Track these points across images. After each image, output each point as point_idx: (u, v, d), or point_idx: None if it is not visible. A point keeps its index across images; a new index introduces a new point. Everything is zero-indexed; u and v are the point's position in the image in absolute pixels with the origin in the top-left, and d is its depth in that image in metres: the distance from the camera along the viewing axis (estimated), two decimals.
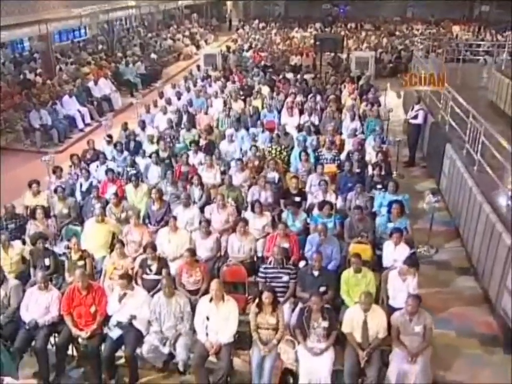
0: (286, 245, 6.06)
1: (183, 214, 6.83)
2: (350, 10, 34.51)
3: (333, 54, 17.98)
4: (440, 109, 9.99)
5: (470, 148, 7.73)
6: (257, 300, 5.01)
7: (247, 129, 10.21)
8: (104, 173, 8.02)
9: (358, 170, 8.13)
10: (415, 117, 10.56)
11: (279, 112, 11.25)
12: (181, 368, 5.15)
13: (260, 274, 5.67)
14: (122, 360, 5.24)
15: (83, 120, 13.23)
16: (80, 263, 5.81)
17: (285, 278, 5.57)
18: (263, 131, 9.96)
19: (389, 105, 12.10)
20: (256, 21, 32.28)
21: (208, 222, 6.38)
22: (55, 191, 7.34)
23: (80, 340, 5.14)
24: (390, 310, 5.13)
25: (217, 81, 13.96)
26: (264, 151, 9.08)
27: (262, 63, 17.94)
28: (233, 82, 14.16)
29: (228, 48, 21.12)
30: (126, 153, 9.05)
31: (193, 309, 5.20)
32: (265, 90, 12.83)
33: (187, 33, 27.52)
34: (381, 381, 4.73)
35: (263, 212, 6.77)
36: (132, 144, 9.52)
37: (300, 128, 10.35)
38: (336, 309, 5.29)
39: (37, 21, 13.44)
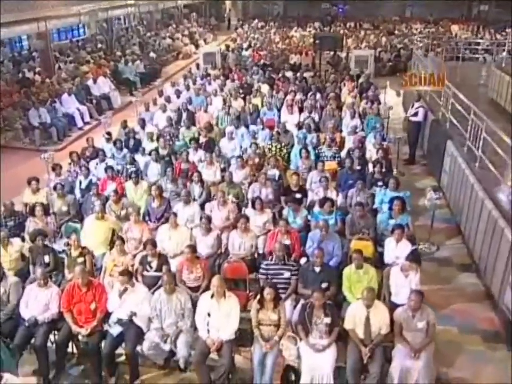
0: (287, 242, 6.03)
1: (183, 211, 6.79)
2: (349, 10, 34.49)
3: (332, 53, 17.98)
4: (440, 106, 9.97)
5: (471, 145, 7.70)
6: (258, 296, 4.97)
7: (247, 127, 10.18)
8: (103, 170, 7.98)
9: (358, 168, 8.11)
10: (415, 114, 10.54)
11: (279, 110, 11.23)
12: (182, 366, 5.11)
13: (261, 270, 5.64)
14: (122, 358, 5.21)
15: (82, 118, 13.20)
16: (80, 260, 5.77)
17: (287, 274, 5.53)
18: (263, 129, 9.94)
19: (389, 104, 12.05)
20: (256, 21, 32.25)
21: (209, 218, 6.33)
22: (55, 188, 7.31)
23: (80, 337, 5.10)
24: (392, 306, 5.10)
25: (216, 80, 13.93)
26: (264, 149, 9.04)
27: (261, 61, 17.91)
28: (233, 80, 14.14)
29: (227, 47, 21.08)
30: (125, 150, 9.02)
31: (194, 305, 5.16)
32: (265, 88, 12.80)
33: (186, 32, 27.48)
34: (383, 377, 4.70)
35: (263, 209, 6.73)
36: (132, 141, 9.48)
37: (299, 126, 10.32)
38: (337, 306, 5.25)
39: (35, 19, 13.39)
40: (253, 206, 6.77)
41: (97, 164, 8.38)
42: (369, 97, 11.84)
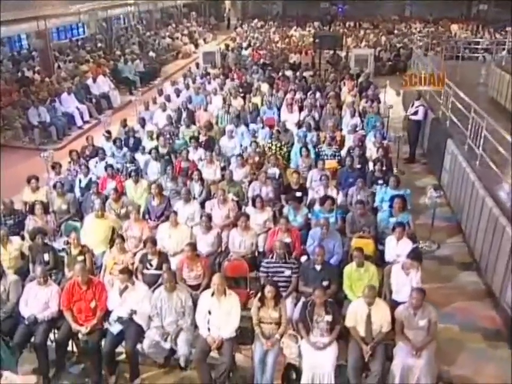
0: (288, 240, 6.02)
1: (183, 209, 6.77)
2: (348, 9, 34.42)
3: (332, 52, 17.96)
4: (440, 105, 9.96)
5: (472, 143, 7.69)
6: (259, 294, 4.95)
7: (247, 126, 10.16)
8: (103, 169, 7.96)
9: (358, 166, 8.11)
10: (415, 113, 10.53)
11: (279, 109, 11.21)
12: (182, 364, 5.10)
13: (261, 269, 5.62)
14: (123, 356, 5.19)
15: (82, 117, 13.17)
16: (80, 258, 5.74)
17: (287, 272, 5.52)
18: (263, 127, 9.93)
19: (389, 103, 12.04)
20: (256, 20, 32.24)
21: (209, 216, 6.31)
22: (54, 186, 7.28)
23: (80, 336, 5.09)
24: (393, 304, 5.07)
25: (216, 79, 13.91)
26: (264, 147, 9.03)
27: (261, 61, 17.88)
28: (232, 79, 14.13)
29: (227, 46, 21.04)
30: (125, 149, 8.99)
31: (194, 304, 5.14)
32: (265, 87, 12.80)
33: (185, 31, 27.45)
34: (385, 375, 4.68)
35: (264, 207, 6.72)
36: (131, 140, 9.46)
37: (299, 125, 10.31)
38: (338, 304, 5.22)
39: (35, 17, 13.36)
40: (253, 204, 6.76)
41: (97, 163, 8.36)
42: (369, 96, 11.83)
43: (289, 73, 14.89)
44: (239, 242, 6.15)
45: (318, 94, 12.03)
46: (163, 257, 5.75)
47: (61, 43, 21.13)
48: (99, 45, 21.49)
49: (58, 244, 6.40)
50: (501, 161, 6.78)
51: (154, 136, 9.47)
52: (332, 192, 7.21)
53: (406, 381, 4.63)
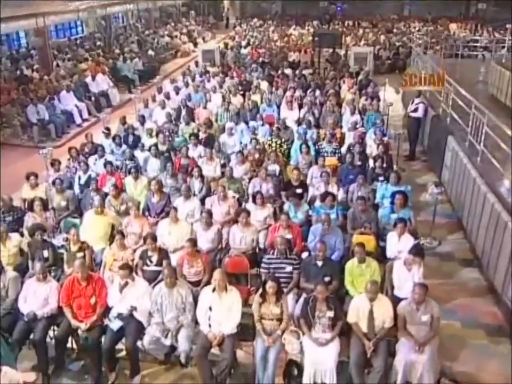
0: (289, 236, 5.98)
1: (183, 206, 6.73)
2: (347, 9, 34.41)
3: (331, 51, 17.94)
4: (440, 102, 9.95)
5: (473, 139, 7.66)
6: (260, 290, 4.92)
7: (247, 123, 10.13)
8: (102, 166, 7.91)
9: (359, 163, 8.08)
10: (415, 110, 10.52)
11: (278, 106, 11.19)
12: (183, 360, 5.04)
13: (262, 265, 5.58)
14: (123, 353, 5.14)
15: (81, 115, 13.12)
16: (79, 254, 5.68)
17: (288, 268, 5.48)
18: (262, 124, 9.90)
19: (388, 101, 12.01)
20: (255, 20, 32.21)
21: (210, 213, 6.27)
22: (53, 183, 7.24)
23: (80, 332, 5.03)
24: (395, 300, 5.04)
25: (215, 77, 13.87)
26: (264, 144, 8.99)
27: (260, 59, 17.84)
28: (232, 77, 14.09)
29: (226, 45, 21.00)
30: (124, 146, 8.95)
31: (194, 300, 5.10)
32: (264, 85, 12.78)
33: (184, 30, 27.41)
34: (387, 371, 4.64)
35: (264, 204, 6.69)
36: (131, 138, 9.42)
37: (299, 122, 10.28)
38: (340, 300, 5.19)
39: (33, 14, 13.31)
40: (254, 201, 6.72)
41: (96, 160, 8.31)
42: (369, 93, 11.81)
43: (288, 71, 14.87)
44: (240, 239, 6.12)
45: (317, 92, 12.02)
46: (163, 254, 5.71)
47: (59, 41, 21.03)
48: (98, 43, 21.42)
49: (58, 241, 6.35)
50: (503, 157, 6.76)
51: (154, 133, 9.43)
52: (333, 188, 7.18)
53: (409, 377, 4.60)
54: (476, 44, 19.19)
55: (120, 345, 5.11)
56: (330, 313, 4.77)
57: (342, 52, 18.62)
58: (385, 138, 9.17)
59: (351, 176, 7.58)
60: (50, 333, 5.20)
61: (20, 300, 5.16)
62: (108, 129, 9.57)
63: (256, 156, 8.41)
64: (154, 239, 5.71)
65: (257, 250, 6.27)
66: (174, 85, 12.84)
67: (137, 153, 8.62)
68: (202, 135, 9.35)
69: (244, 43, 21.93)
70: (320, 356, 4.66)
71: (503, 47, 17.03)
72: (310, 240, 6.03)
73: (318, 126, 10.20)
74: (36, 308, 5.07)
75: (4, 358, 4.49)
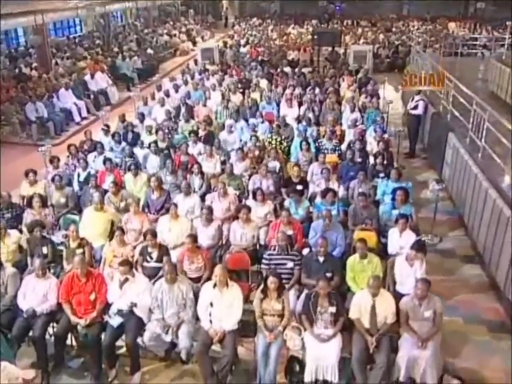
0: (290, 232, 5.94)
1: (183, 202, 6.70)
2: (346, 8, 34.39)
3: (330, 49, 17.92)
4: (441, 99, 9.92)
5: (474, 136, 7.64)
6: (262, 286, 4.88)
7: (246, 121, 10.09)
8: (102, 163, 7.87)
9: (359, 160, 8.05)
10: (415, 107, 10.49)
11: (278, 104, 11.16)
12: (184, 357, 5.02)
13: (263, 261, 5.54)
14: (123, 350, 5.11)
15: (79, 113, 13.07)
16: (79, 251, 5.64)
17: (290, 264, 5.44)
18: (262, 122, 9.86)
19: (388, 98, 11.99)
20: (255, 19, 32.19)
21: (210, 209, 6.23)
22: (52, 180, 7.19)
23: (79, 328, 4.99)
24: (397, 296, 5.01)
25: (214, 75, 13.84)
26: (264, 142, 8.96)
27: (259, 58, 17.82)
28: (231, 76, 14.06)
29: (225, 43, 20.98)
30: (124, 143, 8.90)
31: (195, 296, 5.06)
32: (264, 83, 12.75)
33: (183, 29, 27.38)
34: (390, 367, 4.61)
35: (265, 200, 6.65)
36: (130, 135, 9.37)
37: (299, 120, 10.25)
38: (342, 296, 5.16)
39: (32, 11, 13.26)
40: (254, 197, 6.68)
41: (95, 157, 8.26)
42: (369, 91, 11.78)
43: (287, 69, 14.84)
44: (240, 235, 6.08)
45: (317, 90, 11.98)
46: (163, 250, 5.66)
47: (58, 40, 20.98)
48: (97, 42, 21.38)
49: (57, 238, 6.31)
50: (504, 153, 6.73)
51: (153, 131, 9.38)
52: (333, 185, 7.14)
53: (412, 373, 4.57)
54: (475, 42, 19.19)
55: (120, 342, 5.07)
56: (332, 309, 4.74)
57: (341, 51, 18.62)
58: (386, 136, 9.14)
59: (352, 173, 7.54)
60: (50, 329, 5.16)
61: (19, 296, 5.12)
62: (107, 126, 9.53)
63: (256, 153, 8.37)
64: (154, 235, 5.67)
65: (257, 247, 6.23)
66: (173, 83, 12.80)
67: (137, 150, 8.59)
68: (202, 133, 9.31)
69: (243, 42, 21.91)
70: (322, 352, 4.63)
71: (502, 45, 17.00)
72: (311, 236, 5.99)
73: (318, 123, 10.17)
74: (35, 304, 5.03)
75: (3, 353, 4.44)
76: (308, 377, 4.62)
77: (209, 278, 5.22)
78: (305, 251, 5.89)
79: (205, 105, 11.09)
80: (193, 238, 5.54)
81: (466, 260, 6.89)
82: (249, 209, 6.17)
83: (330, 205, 6.44)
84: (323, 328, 4.75)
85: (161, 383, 5.00)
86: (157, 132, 9.18)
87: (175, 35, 25.34)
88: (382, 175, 7.51)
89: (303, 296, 5.07)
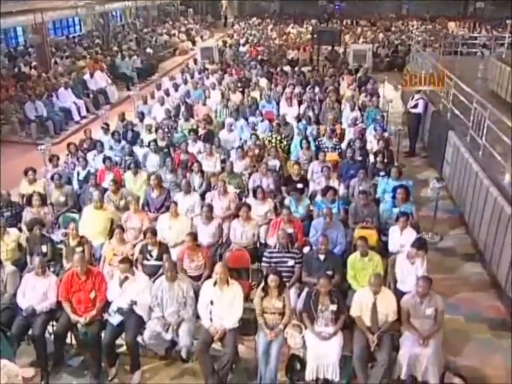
0: (290, 231, 5.91)
1: (183, 201, 6.67)
2: (345, 8, 34.40)
3: (330, 48, 17.91)
4: (441, 98, 9.91)
5: (474, 134, 7.63)
6: (262, 284, 4.86)
7: (246, 119, 10.07)
8: (101, 162, 7.84)
9: (359, 158, 8.03)
10: (415, 106, 10.48)
11: (278, 103, 11.14)
12: (184, 355, 4.97)
13: (264, 259, 5.52)
14: (123, 348, 5.08)
15: (79, 112, 13.04)
16: (79, 249, 5.62)
17: (290, 262, 5.42)
18: (262, 120, 9.85)
19: (388, 97, 11.98)
20: (254, 18, 32.19)
21: (210, 206, 6.20)
22: (52, 178, 7.16)
23: (79, 327, 4.95)
24: (398, 294, 4.99)
25: (214, 74, 13.82)
26: (264, 140, 8.94)
27: (259, 57, 17.82)
28: (231, 75, 14.04)
29: (224, 42, 20.97)
30: (123, 142, 8.87)
31: (195, 294, 5.03)
32: (263, 82, 12.74)
33: (183, 29, 27.36)
34: (391, 365, 4.59)
35: (265, 198, 6.63)
36: (130, 134, 9.35)
37: (299, 119, 10.24)
38: (342, 294, 5.12)
39: (31, 10, 13.23)
40: (254, 196, 6.66)
41: (95, 155, 8.24)
42: (368, 90, 11.78)
43: (287, 68, 14.83)
44: (241, 233, 6.06)
45: (317, 89, 11.96)
46: (163, 248, 5.64)
47: (57, 40, 20.95)
48: (96, 41, 21.36)
49: (56, 236, 6.27)
50: (504, 151, 6.72)
51: (153, 129, 9.36)
52: (334, 183, 7.12)
53: (413, 371, 4.55)
54: (474, 41, 19.19)
55: (120, 340, 5.04)
56: (333, 307, 4.71)
57: (341, 50, 18.61)
58: (386, 134, 9.13)
59: (352, 171, 7.53)
60: (49, 328, 5.13)
61: (18, 294, 5.09)
62: (106, 124, 9.50)
63: (256, 151, 8.35)
64: (154, 233, 5.64)
65: (258, 245, 6.21)
66: (172, 82, 12.78)
67: (136, 149, 8.56)
68: (201, 131, 9.29)
69: (242, 41, 21.92)
70: (323, 350, 4.60)
71: (502, 44, 17.01)
72: (312, 234, 5.97)
73: (318, 122, 10.16)
74: (35, 303, 5.00)
75: (3, 352, 4.41)
76: (308, 375, 4.59)
77: (209, 276, 5.20)
78: (306, 249, 5.86)
79: (204, 104, 11.07)
80: (193, 236, 5.51)
81: (467, 258, 6.87)
82: (249, 207, 6.14)
83: (331, 203, 6.42)
84: (324, 326, 4.72)
85: (161, 382, 4.97)
86: (156, 131, 9.16)
87: (174, 35, 25.33)
88: (382, 173, 7.48)
89: (303, 294, 5.05)
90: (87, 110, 13.45)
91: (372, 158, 8.21)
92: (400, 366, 4.54)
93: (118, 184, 7.01)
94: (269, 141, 8.86)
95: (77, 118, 12.92)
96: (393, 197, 6.53)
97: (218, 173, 7.84)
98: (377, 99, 11.00)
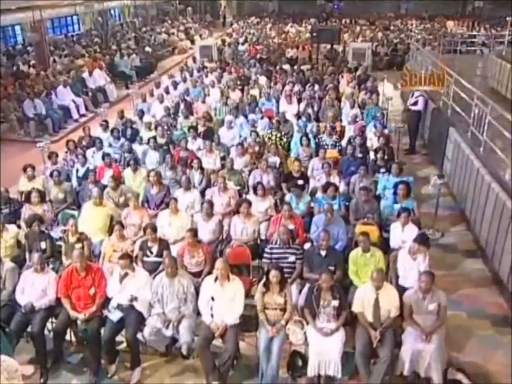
0: (291, 227, 5.88)
1: (183, 197, 6.64)
2: (344, 7, 34.45)
3: (329, 47, 17.89)
4: (441, 95, 9.88)
5: (475, 130, 7.60)
6: (264, 279, 4.82)
7: (246, 117, 10.04)
8: (101, 159, 7.80)
9: (360, 155, 8.00)
10: (415, 103, 10.44)
11: (277, 101, 11.10)
12: (184, 352, 4.95)
13: (265, 255, 5.48)
14: (123, 345, 5.04)
15: (78, 110, 13.00)
16: (78, 246, 5.55)
17: (291, 258, 5.38)
18: (262, 118, 9.81)
19: (387, 95, 11.95)
20: (253, 18, 32.18)
21: (211, 203, 6.17)
22: (51, 175, 7.11)
23: (78, 323, 4.92)
24: (400, 290, 4.96)
25: (213, 72, 13.78)
26: (264, 137, 8.91)
27: (258, 56, 17.79)
28: (230, 73, 14.01)
29: (223, 41, 20.93)
30: (122, 139, 8.84)
31: (196, 291, 4.99)
32: (263, 80, 12.72)
33: (181, 28, 27.33)
34: (394, 361, 4.55)
35: (265, 195, 6.60)
36: (129, 131, 9.32)
37: (298, 116, 10.20)
38: (344, 290, 5.08)
39: (30, 7, 13.17)
40: (255, 192, 6.63)
41: (94, 152, 8.20)
42: (368, 88, 11.75)
43: (286, 67, 14.80)
44: (241, 229, 6.02)
45: (316, 87, 11.94)
46: (163, 244, 5.59)
47: (56, 38, 20.88)
48: (95, 40, 21.30)
49: (56, 233, 6.23)
50: (505, 147, 6.69)
51: (152, 127, 9.33)
52: (334, 180, 7.08)
53: (416, 367, 4.51)
54: (473, 40, 19.19)
55: (120, 337, 5.00)
56: (335, 303, 4.68)
57: (340, 48, 18.59)
58: (386, 131, 9.10)
59: (352, 168, 7.50)
60: (49, 325, 5.08)
61: (17, 291, 5.04)
62: (105, 122, 9.46)
63: (256, 148, 8.32)
64: (154, 229, 5.60)
65: (258, 241, 6.17)
66: (172, 80, 12.74)
67: (136, 146, 8.52)
68: (201, 128, 9.26)
69: (241, 40, 21.89)
70: (324, 346, 4.56)
71: (501, 43, 17.00)
72: (313, 230, 5.94)
73: (318, 120, 10.12)
74: (34, 299, 4.95)
75: (2, 348, 4.37)
76: (310, 371, 4.54)
77: (210, 272, 5.15)
78: (307, 246, 5.83)
79: (204, 102, 11.03)
80: (194, 232, 5.48)
81: (469, 254, 6.84)
82: (249, 203, 6.11)
83: (332, 199, 6.38)
84: (326, 322, 4.68)
85: (161, 379, 4.92)
86: (156, 128, 9.13)
87: (173, 33, 25.30)
88: (383, 170, 7.44)
89: (305, 289, 5.01)
90: (86, 108, 13.42)
91: (372, 155, 8.18)
92: (403, 362, 4.50)
93: (118, 181, 6.97)
94: (269, 138, 8.83)
95: (75, 116, 12.89)
96: (395, 193, 6.49)
97: (218, 169, 7.80)
98: (377, 97, 10.98)
